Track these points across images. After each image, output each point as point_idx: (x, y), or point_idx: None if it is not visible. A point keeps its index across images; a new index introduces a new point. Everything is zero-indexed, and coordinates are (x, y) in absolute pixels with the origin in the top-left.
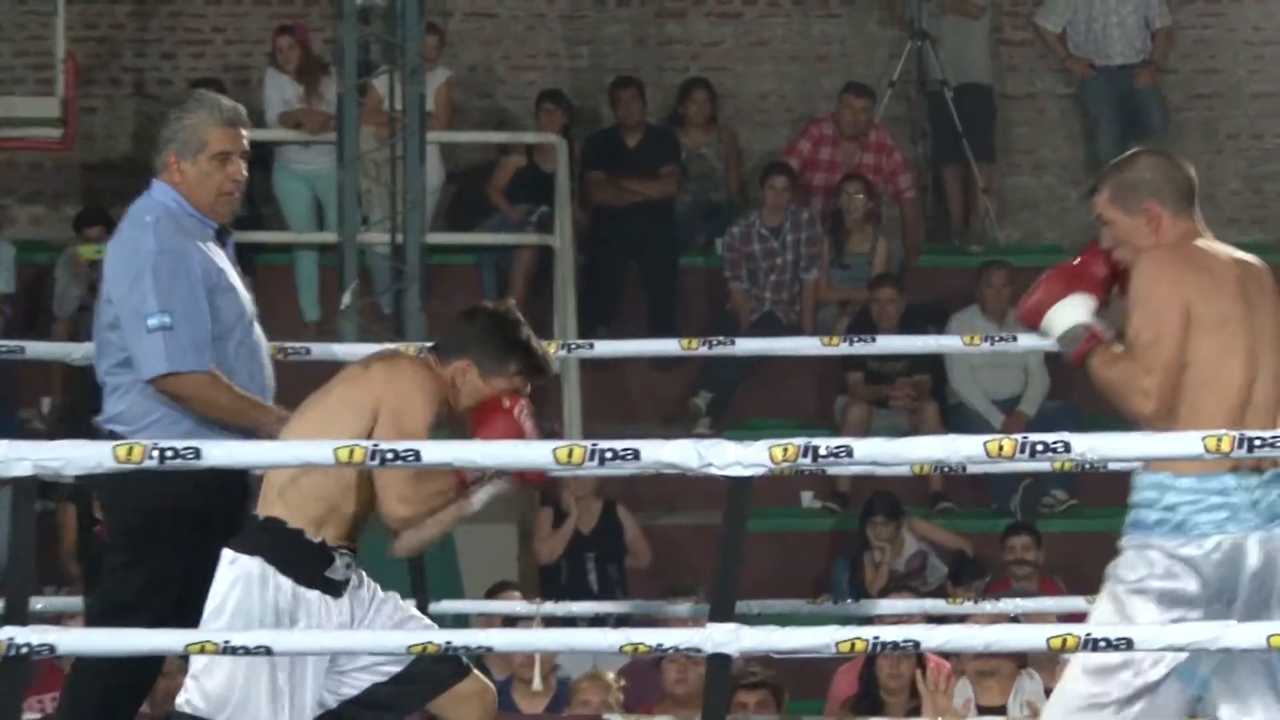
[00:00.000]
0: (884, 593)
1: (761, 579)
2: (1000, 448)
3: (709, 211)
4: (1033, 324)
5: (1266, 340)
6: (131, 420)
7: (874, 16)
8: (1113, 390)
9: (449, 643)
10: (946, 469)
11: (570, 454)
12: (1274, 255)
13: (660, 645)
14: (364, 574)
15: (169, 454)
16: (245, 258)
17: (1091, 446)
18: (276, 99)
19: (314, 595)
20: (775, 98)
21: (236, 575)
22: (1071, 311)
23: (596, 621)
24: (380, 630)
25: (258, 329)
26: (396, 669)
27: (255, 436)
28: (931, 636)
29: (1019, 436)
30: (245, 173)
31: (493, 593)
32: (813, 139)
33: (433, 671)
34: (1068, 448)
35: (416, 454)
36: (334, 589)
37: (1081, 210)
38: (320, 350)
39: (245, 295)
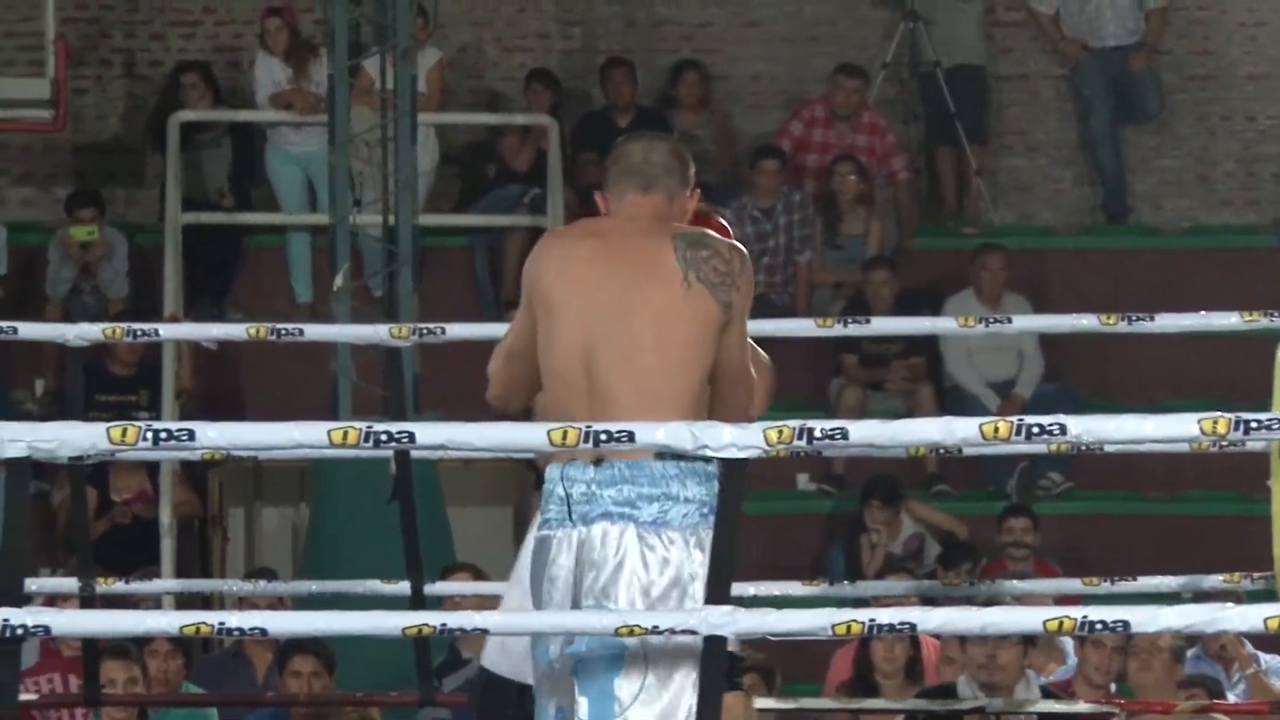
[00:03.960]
0: (880, 575)
1: (757, 562)
2: (996, 430)
3: (701, 193)
4: None
5: None
6: None
7: None
8: None
9: (445, 624)
10: (942, 451)
11: (565, 436)
12: (1268, 237)
13: (655, 628)
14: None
15: (163, 435)
16: (238, 239)
17: (1087, 429)
18: (266, 80)
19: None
20: (767, 79)
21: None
22: None
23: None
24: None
25: None
26: None
27: None
28: (928, 619)
29: (1015, 419)
30: None
31: (446, 574)
32: (805, 120)
33: None
34: (1063, 430)
35: (411, 435)
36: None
37: (1075, 192)
38: (314, 332)
39: None
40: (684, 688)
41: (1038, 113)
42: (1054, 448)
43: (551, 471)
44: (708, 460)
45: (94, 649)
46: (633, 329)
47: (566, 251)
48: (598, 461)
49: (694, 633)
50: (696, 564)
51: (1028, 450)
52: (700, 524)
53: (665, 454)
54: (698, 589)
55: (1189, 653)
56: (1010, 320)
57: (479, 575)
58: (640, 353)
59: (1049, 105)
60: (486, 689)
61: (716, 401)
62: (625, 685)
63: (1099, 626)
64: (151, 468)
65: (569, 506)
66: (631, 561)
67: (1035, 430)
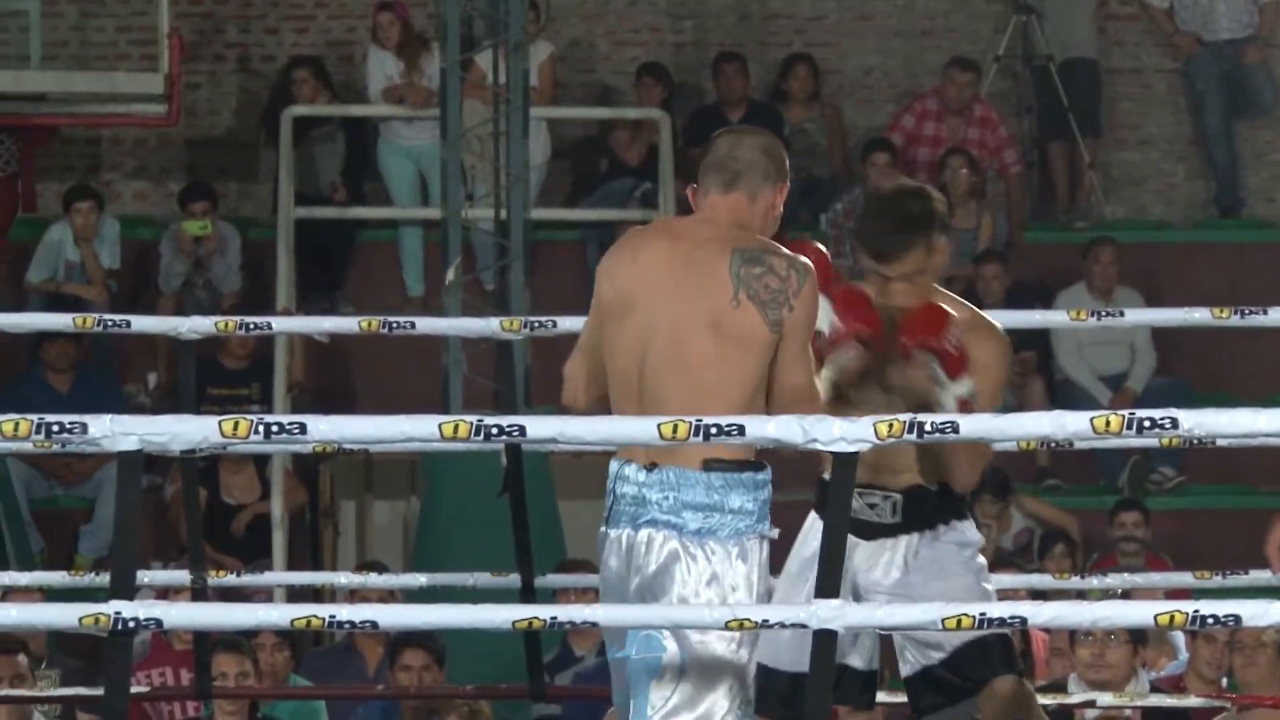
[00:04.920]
0: (991, 569)
1: None
2: (1107, 424)
3: (812, 187)
4: None
5: None
6: None
7: None
8: None
9: (554, 618)
10: (1054, 445)
11: (675, 430)
12: None
13: (765, 621)
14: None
15: (274, 429)
16: (350, 233)
17: (1199, 422)
18: (379, 75)
19: None
20: (879, 73)
21: None
22: None
23: None
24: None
25: None
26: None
27: None
28: (1039, 613)
29: (1126, 412)
30: None
31: (566, 568)
32: (917, 114)
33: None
34: (1175, 424)
35: (522, 429)
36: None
37: (1188, 185)
38: (425, 325)
39: None
40: (716, 702)
41: (1150, 106)
42: (1166, 442)
43: (611, 467)
44: (757, 470)
45: (205, 642)
46: (683, 339)
47: (636, 252)
48: (650, 465)
49: (804, 626)
50: (739, 575)
51: (1139, 444)
52: (745, 534)
53: (714, 465)
54: (740, 599)
55: None
56: (1122, 314)
57: (592, 570)
58: (688, 364)
59: (1162, 99)
60: (763, 684)
61: None
62: (658, 693)
63: (1210, 621)
64: (260, 463)
65: (620, 507)
66: (674, 570)
67: (1147, 424)
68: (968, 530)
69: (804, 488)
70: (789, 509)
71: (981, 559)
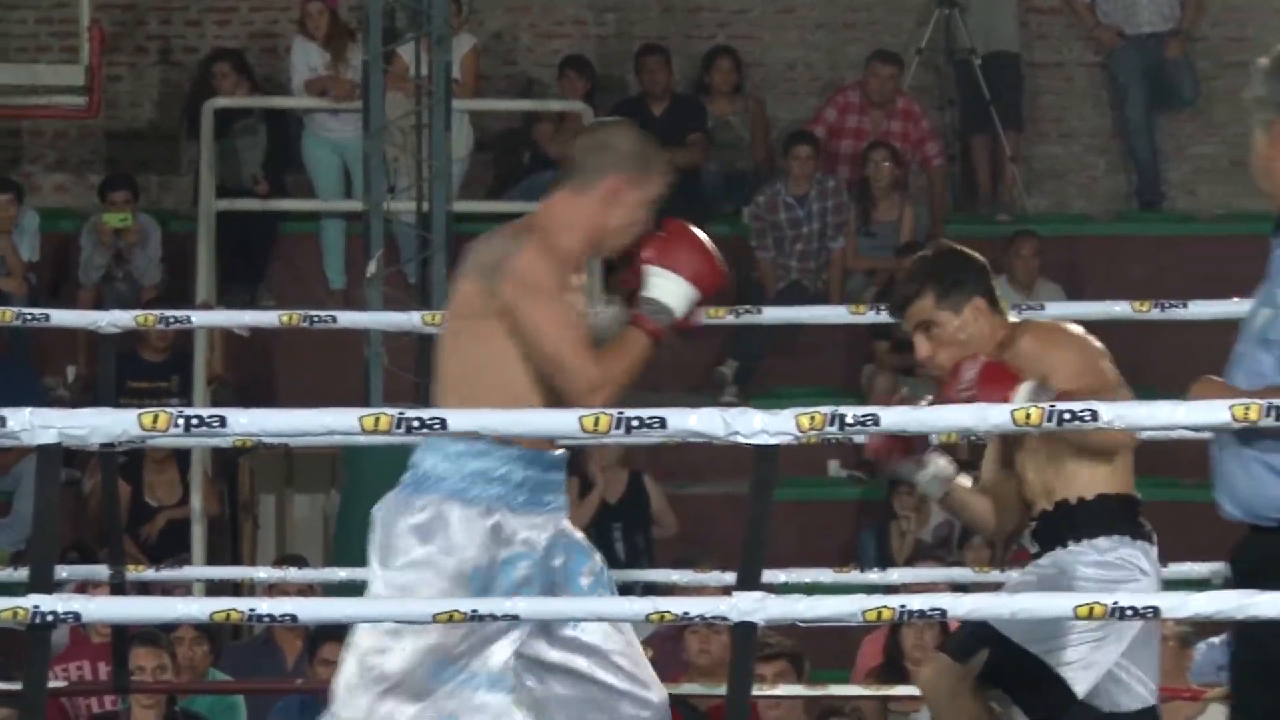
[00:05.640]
0: (910, 562)
1: (788, 548)
2: (1028, 416)
3: (735, 180)
4: None
5: None
6: None
7: None
8: None
9: (475, 610)
10: (975, 439)
11: (597, 422)
12: None
13: (686, 614)
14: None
15: (194, 422)
16: (272, 226)
17: (1119, 415)
18: (303, 66)
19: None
20: (802, 66)
21: None
22: None
23: (623, 590)
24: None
25: None
26: None
27: None
28: (958, 605)
29: (1047, 405)
30: None
31: None
32: (839, 107)
33: None
34: (1095, 416)
35: (443, 422)
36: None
37: (1110, 179)
38: (347, 319)
39: None
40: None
41: (1072, 100)
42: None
43: None
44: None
45: (124, 636)
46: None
47: None
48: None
49: (724, 619)
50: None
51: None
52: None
53: None
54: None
55: (1218, 640)
56: (1044, 307)
57: None
58: (442, 355)
59: (1084, 92)
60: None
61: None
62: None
63: (1129, 613)
64: (183, 464)
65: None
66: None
67: (1067, 416)
68: (1088, 550)
69: (733, 479)
70: (712, 501)
71: (1109, 575)
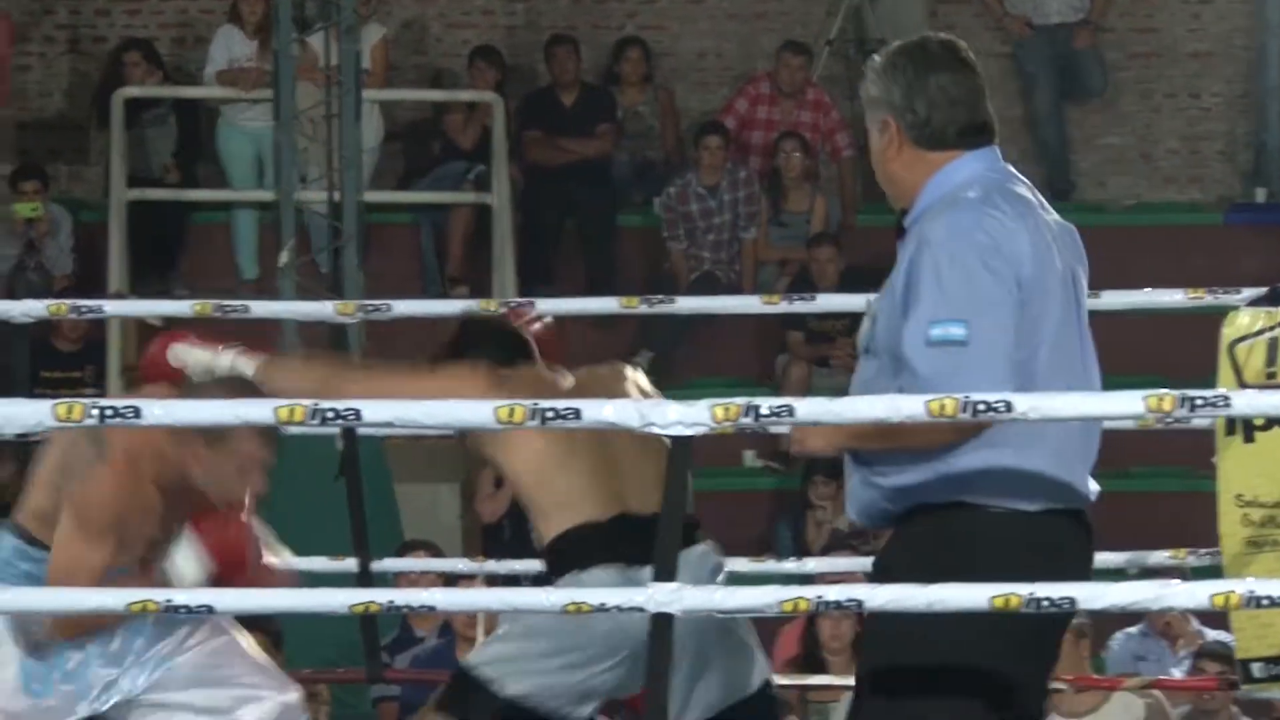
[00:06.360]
0: (826, 551)
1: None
2: (943, 408)
3: (646, 171)
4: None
5: None
6: None
7: None
8: None
9: (391, 602)
10: None
11: (512, 413)
12: (1212, 214)
13: (603, 605)
14: None
15: (109, 412)
16: (184, 216)
17: (1033, 405)
18: (223, 54)
19: None
20: (712, 56)
21: None
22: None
23: (540, 581)
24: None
25: None
26: None
27: None
28: (875, 595)
29: (961, 396)
30: None
31: (402, 551)
32: (750, 98)
33: None
34: (1009, 407)
35: (357, 413)
36: None
37: (1019, 169)
38: (260, 308)
39: None
40: None
41: None
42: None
43: None
44: None
45: None
46: None
47: None
48: None
49: (640, 610)
50: None
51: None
52: None
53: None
54: None
55: (1136, 629)
56: None
57: (436, 552)
58: None
59: (993, 83)
60: None
61: None
62: None
63: (1045, 604)
64: None
65: None
66: None
67: (981, 407)
68: None
69: None
70: None
71: None
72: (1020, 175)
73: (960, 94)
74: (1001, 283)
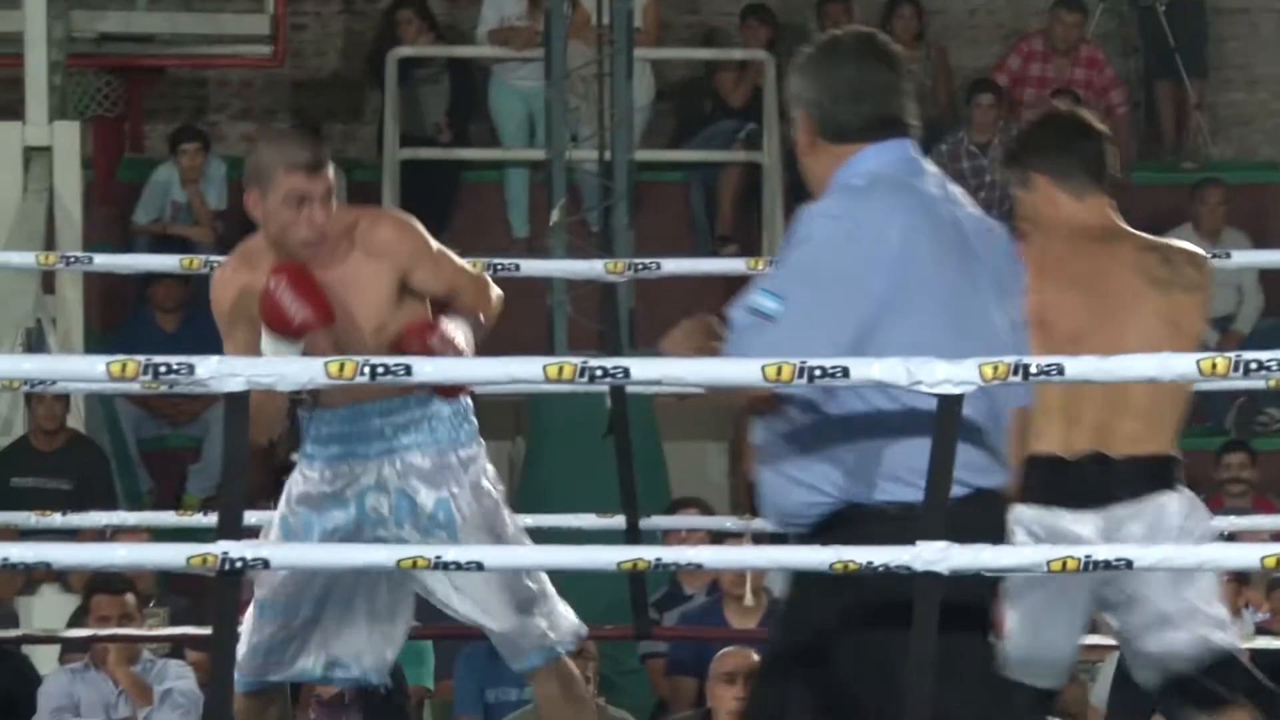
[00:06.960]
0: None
1: None
2: (1214, 366)
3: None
4: None
5: None
6: None
7: None
8: None
9: (659, 559)
10: None
11: (779, 371)
12: None
13: (870, 564)
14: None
15: (380, 370)
16: (455, 175)
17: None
18: (495, 15)
19: None
20: (984, 13)
21: None
22: None
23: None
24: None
25: None
26: None
27: None
28: (1144, 556)
29: (1234, 354)
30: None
31: (672, 509)
32: (1023, 55)
33: None
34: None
35: (626, 371)
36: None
37: None
38: (530, 267)
39: None
40: None
41: (1258, 46)
42: (1273, 383)
43: None
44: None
45: None
46: None
47: None
48: None
49: (907, 568)
50: None
51: (1246, 386)
52: None
53: None
54: None
55: None
56: (1229, 255)
57: (705, 510)
58: None
59: (1270, 39)
60: None
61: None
62: None
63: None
64: None
65: None
66: None
67: (1254, 366)
68: None
69: None
70: None
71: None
72: (932, 170)
73: (867, 88)
74: (848, 268)
